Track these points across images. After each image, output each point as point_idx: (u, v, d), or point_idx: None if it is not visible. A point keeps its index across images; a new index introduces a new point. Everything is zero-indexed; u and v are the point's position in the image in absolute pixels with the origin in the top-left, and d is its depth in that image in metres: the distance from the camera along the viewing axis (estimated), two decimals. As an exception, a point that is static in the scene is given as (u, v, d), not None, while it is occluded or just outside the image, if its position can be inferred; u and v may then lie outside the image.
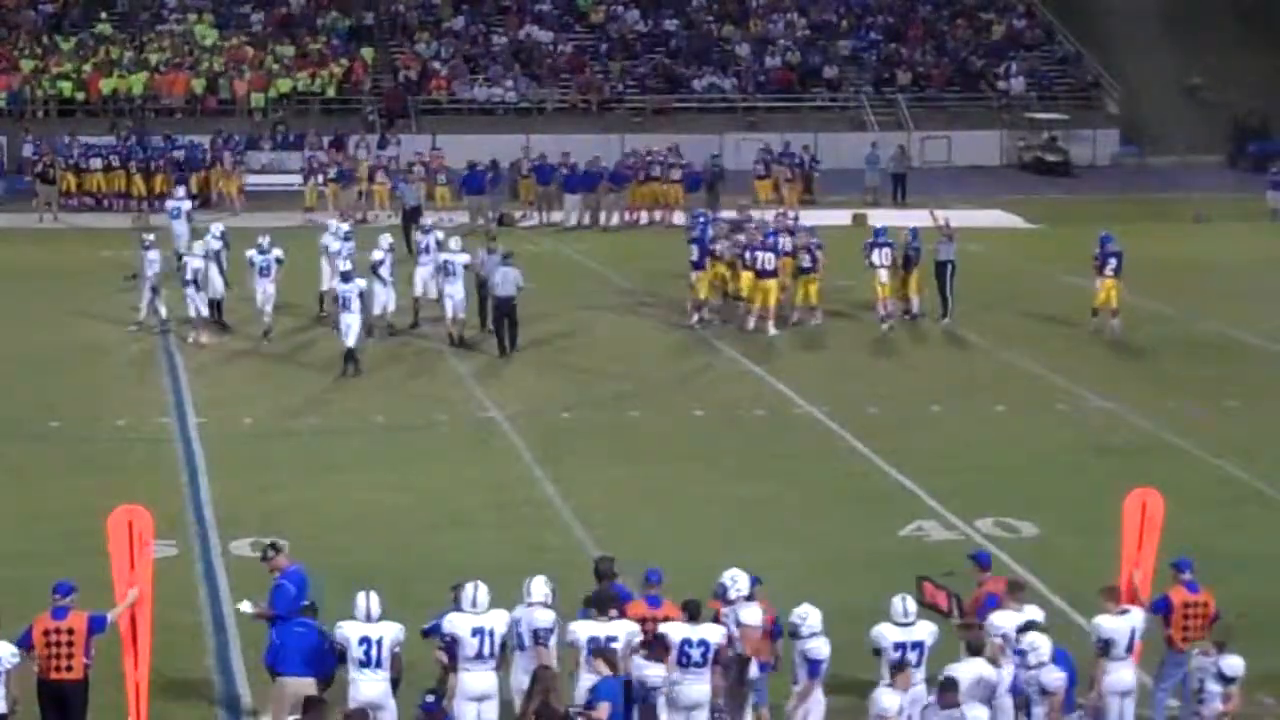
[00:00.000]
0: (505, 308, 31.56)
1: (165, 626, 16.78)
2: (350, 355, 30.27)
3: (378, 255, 32.86)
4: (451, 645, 15.75)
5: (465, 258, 32.59)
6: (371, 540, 21.78)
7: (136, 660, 15.91)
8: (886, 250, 34.50)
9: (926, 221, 36.29)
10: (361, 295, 30.41)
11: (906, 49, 63.53)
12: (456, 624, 15.79)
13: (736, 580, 16.38)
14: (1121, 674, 16.08)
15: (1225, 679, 15.47)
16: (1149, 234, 46.26)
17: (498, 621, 15.81)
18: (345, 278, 30.60)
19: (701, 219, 36.47)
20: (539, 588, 16.18)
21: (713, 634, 15.74)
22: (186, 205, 40.52)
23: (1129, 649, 16.15)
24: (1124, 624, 16.17)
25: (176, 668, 17.55)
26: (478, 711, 15.69)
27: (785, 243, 34.40)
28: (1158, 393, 29.63)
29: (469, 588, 15.97)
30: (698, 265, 34.72)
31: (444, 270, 32.51)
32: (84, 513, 20.56)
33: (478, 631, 15.70)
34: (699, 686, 15.63)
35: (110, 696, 16.22)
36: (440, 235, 34.12)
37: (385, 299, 32.71)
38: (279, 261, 32.96)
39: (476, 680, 15.69)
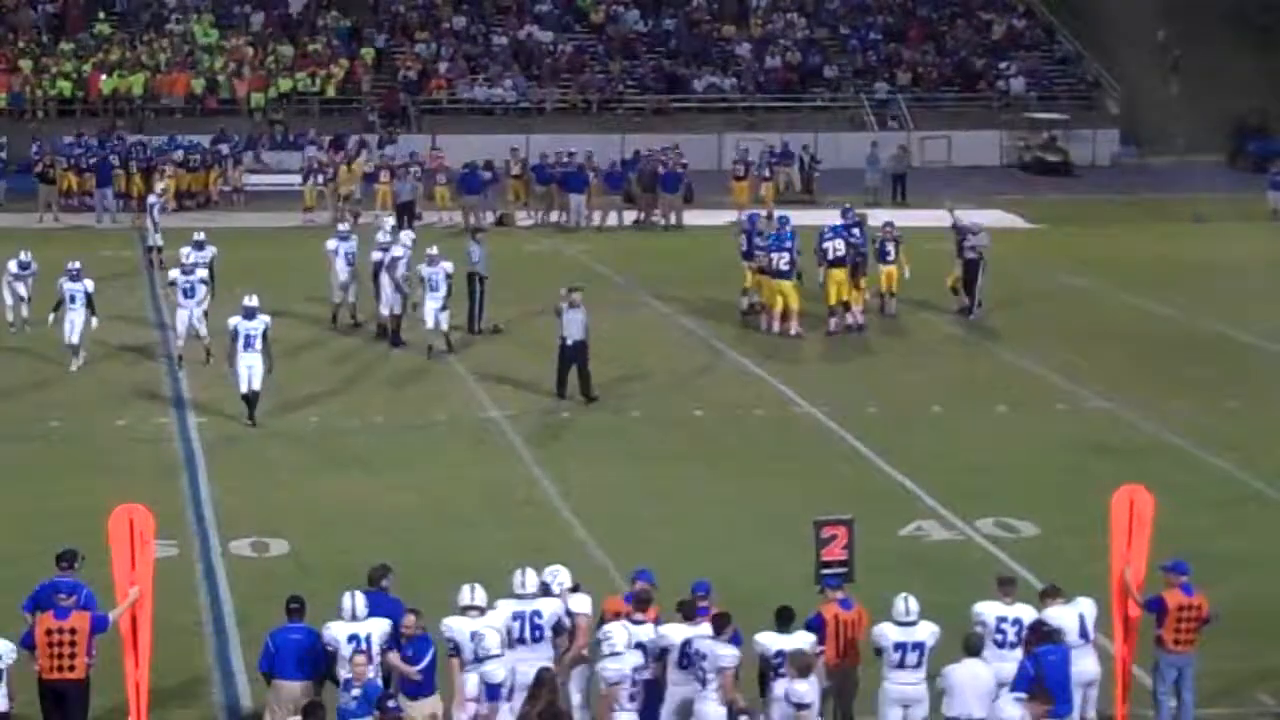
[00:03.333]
0: (575, 354, 28.81)
1: (165, 626, 16.78)
2: (252, 401, 27.11)
3: (398, 251, 32.53)
4: (454, 647, 15.72)
5: (449, 265, 31.78)
6: (371, 540, 21.77)
7: (137, 660, 15.92)
8: (840, 243, 34.01)
9: (936, 220, 36.23)
10: (266, 334, 27.02)
11: (907, 49, 63.55)
12: (455, 627, 15.79)
13: (557, 575, 16.39)
14: (1082, 664, 16.09)
15: (795, 705, 15.21)
16: (1149, 234, 46.38)
17: (494, 623, 15.76)
18: (249, 314, 27.04)
19: (752, 216, 36.81)
20: (533, 579, 16.21)
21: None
22: (156, 202, 40.61)
23: (1082, 635, 16.17)
24: (1070, 612, 16.21)
25: (176, 668, 17.55)
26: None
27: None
28: (1158, 393, 29.63)
29: (465, 590, 15.99)
30: (747, 255, 34.82)
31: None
32: (84, 513, 20.54)
33: (476, 635, 15.65)
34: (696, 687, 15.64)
35: (110, 696, 16.25)
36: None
37: (394, 301, 32.48)
38: (205, 283, 30.81)
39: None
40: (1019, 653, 15.90)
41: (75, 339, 30.25)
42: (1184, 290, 38.24)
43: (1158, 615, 16.55)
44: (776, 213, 37.28)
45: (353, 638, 15.60)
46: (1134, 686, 16.83)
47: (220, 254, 33.76)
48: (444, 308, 31.37)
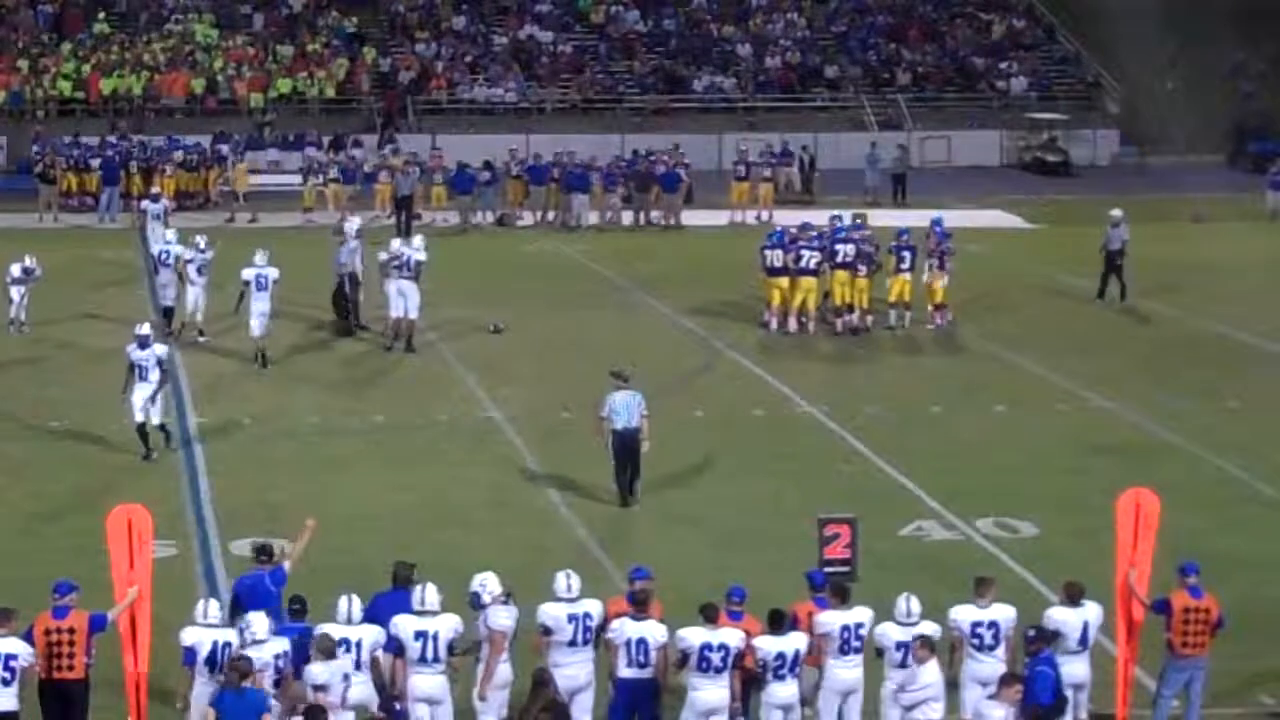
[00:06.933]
0: (630, 442, 23.88)
1: (165, 626, 16.75)
2: (144, 432, 25.29)
3: (421, 256, 32.38)
4: (397, 646, 15.71)
5: (162, 350, 30.97)
6: (371, 540, 21.77)
7: (136, 660, 15.92)
8: (851, 247, 33.88)
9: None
10: (160, 363, 25.23)
11: (906, 49, 63.55)
12: (401, 626, 15.74)
13: (487, 584, 16.18)
14: (1073, 667, 16.12)
15: (313, 687, 15.17)
16: (1149, 234, 46.29)
17: (444, 625, 15.75)
18: (143, 343, 25.12)
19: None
20: (576, 583, 16.08)
21: (732, 638, 15.67)
22: (155, 206, 40.50)
23: (1081, 642, 16.20)
24: (1076, 616, 16.23)
25: (176, 668, 17.51)
26: (430, 714, 15.71)
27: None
28: (1158, 393, 29.64)
29: (418, 589, 15.94)
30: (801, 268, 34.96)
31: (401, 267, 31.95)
32: (84, 513, 20.56)
33: (420, 635, 15.67)
34: (717, 691, 15.61)
35: (110, 696, 16.24)
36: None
37: (406, 304, 32.23)
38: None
39: (423, 683, 15.69)
40: (999, 653, 16.01)
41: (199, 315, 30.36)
42: (1184, 290, 38.22)
43: (1165, 617, 16.55)
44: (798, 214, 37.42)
45: (343, 641, 15.53)
46: (1135, 688, 16.84)
47: (219, 254, 33.59)
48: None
